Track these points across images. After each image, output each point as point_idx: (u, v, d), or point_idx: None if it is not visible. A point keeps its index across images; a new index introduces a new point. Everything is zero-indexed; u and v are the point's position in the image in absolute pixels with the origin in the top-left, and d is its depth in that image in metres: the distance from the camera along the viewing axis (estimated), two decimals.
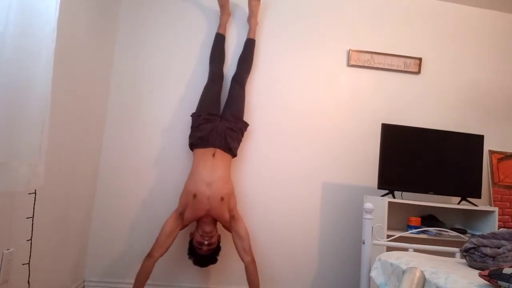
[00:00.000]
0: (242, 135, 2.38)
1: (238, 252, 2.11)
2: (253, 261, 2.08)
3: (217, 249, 2.18)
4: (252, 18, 2.56)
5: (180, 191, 2.41)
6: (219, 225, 2.22)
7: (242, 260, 2.09)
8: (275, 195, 2.54)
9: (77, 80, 1.96)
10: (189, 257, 2.17)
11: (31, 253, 1.60)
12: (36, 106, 1.29)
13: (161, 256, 2.06)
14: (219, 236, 2.20)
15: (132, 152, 2.45)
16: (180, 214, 2.12)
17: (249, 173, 2.53)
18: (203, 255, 2.13)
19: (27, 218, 1.54)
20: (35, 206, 1.57)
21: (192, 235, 2.18)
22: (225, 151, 2.23)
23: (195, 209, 2.09)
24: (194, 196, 2.08)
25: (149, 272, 2.02)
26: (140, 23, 2.54)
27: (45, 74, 1.33)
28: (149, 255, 2.03)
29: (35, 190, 1.54)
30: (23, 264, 1.56)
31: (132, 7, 2.54)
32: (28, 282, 1.59)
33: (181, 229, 2.14)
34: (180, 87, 2.54)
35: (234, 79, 2.46)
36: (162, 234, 2.07)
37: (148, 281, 2.34)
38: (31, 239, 1.58)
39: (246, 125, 2.41)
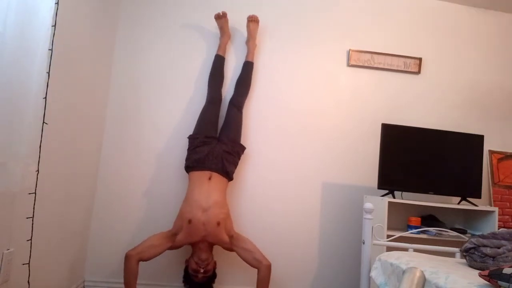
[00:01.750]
0: (239, 158, 2.37)
1: (252, 265, 2.09)
2: (270, 265, 2.08)
3: (213, 276, 2.15)
4: (250, 40, 2.53)
5: (180, 190, 2.41)
6: (215, 248, 2.19)
7: (258, 268, 2.07)
8: (275, 195, 2.54)
9: (77, 81, 1.96)
10: (184, 285, 2.14)
11: (31, 253, 1.60)
12: (33, 106, 1.30)
13: (140, 260, 1.99)
14: (215, 263, 2.17)
15: (132, 152, 2.45)
16: (173, 235, 2.09)
17: (249, 174, 2.53)
18: (199, 283, 2.09)
19: (27, 218, 1.54)
20: (35, 206, 1.57)
21: (187, 262, 2.14)
22: (221, 175, 2.21)
23: (190, 234, 2.06)
24: (189, 221, 2.04)
25: (135, 272, 1.97)
26: (139, 22, 2.54)
27: (40, 74, 1.33)
28: (126, 256, 1.98)
29: (35, 190, 1.54)
30: (23, 264, 1.56)
31: (133, 10, 2.54)
32: (28, 282, 1.59)
33: (169, 249, 2.10)
34: (180, 89, 2.54)
35: (232, 102, 2.44)
36: (145, 243, 2.04)
37: (148, 281, 2.34)
38: (31, 239, 1.58)
39: (243, 148, 2.40)
